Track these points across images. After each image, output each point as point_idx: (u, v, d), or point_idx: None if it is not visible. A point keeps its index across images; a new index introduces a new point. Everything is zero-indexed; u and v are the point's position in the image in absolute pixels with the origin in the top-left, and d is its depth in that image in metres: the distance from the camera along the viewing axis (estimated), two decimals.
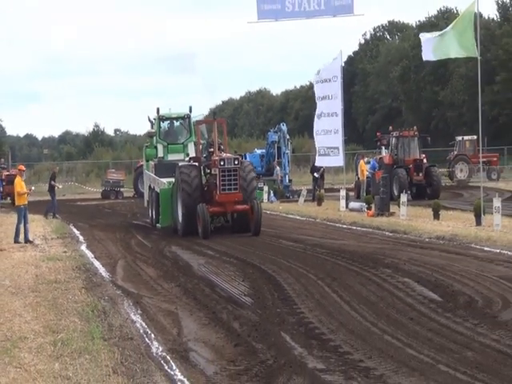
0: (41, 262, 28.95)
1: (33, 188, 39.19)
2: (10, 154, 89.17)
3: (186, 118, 44.98)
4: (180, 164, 38.84)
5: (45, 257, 30.66)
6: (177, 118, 45.63)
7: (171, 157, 43.49)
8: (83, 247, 34.33)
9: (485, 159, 76.03)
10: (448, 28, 39.08)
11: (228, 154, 38.37)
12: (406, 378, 13.12)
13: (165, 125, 45.10)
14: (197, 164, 38.04)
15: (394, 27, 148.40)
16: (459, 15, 41.29)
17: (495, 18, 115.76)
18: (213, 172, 36.89)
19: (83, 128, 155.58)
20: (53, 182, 54.30)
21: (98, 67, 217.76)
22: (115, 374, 13.56)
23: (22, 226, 35.60)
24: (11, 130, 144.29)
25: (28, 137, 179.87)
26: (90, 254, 31.56)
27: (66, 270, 26.80)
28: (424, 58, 39.49)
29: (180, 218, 37.35)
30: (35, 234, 38.25)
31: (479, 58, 36.70)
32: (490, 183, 71.15)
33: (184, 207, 36.58)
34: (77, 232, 41.42)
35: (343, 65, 46.06)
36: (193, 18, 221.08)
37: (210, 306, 20.08)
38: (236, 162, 36.05)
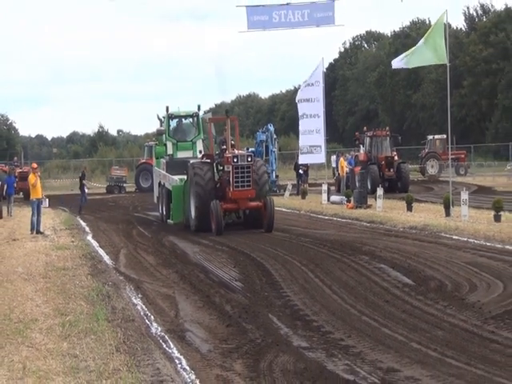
0: (50, 251, 28.97)
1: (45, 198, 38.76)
2: (23, 153, 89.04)
3: (194, 116, 42.22)
4: (192, 161, 36.51)
5: (54, 246, 30.68)
6: (185, 116, 42.62)
7: (180, 154, 40.82)
8: (89, 237, 34.33)
9: (453, 156, 76.47)
10: (420, 43, 39.16)
11: (241, 151, 35.76)
12: (382, 354, 13.14)
13: (174, 123, 42.23)
14: (209, 161, 35.54)
15: (371, 37, 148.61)
16: (431, 26, 41.35)
17: (463, 28, 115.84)
18: (226, 169, 34.35)
19: (89, 129, 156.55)
20: (84, 181, 54.32)
21: (102, 74, 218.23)
22: (118, 353, 13.57)
23: (36, 218, 35.56)
24: (23, 131, 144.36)
25: (39, 137, 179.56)
26: (95, 244, 31.58)
27: (74, 258, 26.83)
28: (393, 66, 39.52)
29: (192, 215, 34.78)
30: (45, 226, 38.25)
31: (448, 64, 36.72)
32: (458, 178, 71.24)
33: (197, 204, 34.08)
34: (83, 223, 41.39)
35: (325, 71, 46.09)
36: (189, 27, 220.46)
37: (204, 291, 20.10)
38: (249, 159, 33.57)
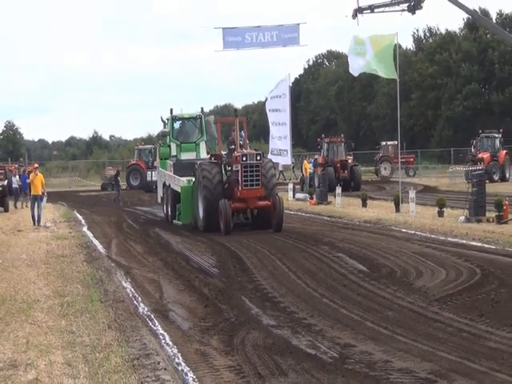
0: (51, 241, 28.95)
1: (46, 196, 38.36)
2: (27, 155, 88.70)
3: (197, 118, 38.18)
4: (201, 162, 32.84)
5: (54, 236, 30.66)
6: (189, 118, 38.49)
7: (184, 155, 36.88)
8: (85, 229, 34.22)
9: (403, 160, 76.99)
10: (368, 48, 39.22)
11: (250, 150, 31.80)
12: (340, 332, 13.17)
13: (177, 125, 38.17)
14: (217, 161, 31.73)
15: (332, 55, 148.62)
16: (382, 43, 41.33)
17: (411, 48, 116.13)
18: (234, 168, 30.50)
19: (85, 134, 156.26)
20: (118, 178, 58.85)
21: (97, 86, 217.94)
22: (110, 329, 13.57)
23: (37, 211, 35.42)
24: (27, 136, 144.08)
25: (41, 141, 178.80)
26: (90, 234, 31.48)
27: (71, 247, 26.82)
28: (351, 72, 39.57)
29: (201, 215, 31.05)
30: (46, 219, 38.10)
31: (398, 79, 36.84)
32: (407, 179, 71.41)
33: (205, 204, 30.41)
34: (80, 217, 41.28)
35: (291, 84, 46.06)
36: (172, 46, 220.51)
37: (185, 276, 20.09)
38: (258, 158, 29.83)
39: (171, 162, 36.04)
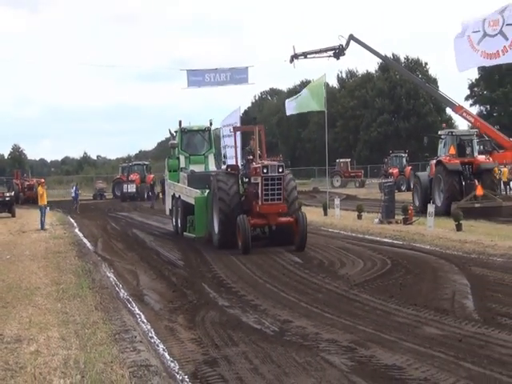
0: (49, 240, 28.69)
1: (48, 208, 37.94)
2: (30, 171, 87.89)
3: (206, 131, 32.02)
4: (216, 173, 25.54)
5: (52, 236, 30.39)
6: (197, 131, 32.25)
7: (192, 167, 30.40)
8: (76, 230, 33.93)
9: (354, 174, 78.29)
10: (303, 91, 39.73)
11: (271, 162, 23.87)
12: (280, 310, 13.16)
13: (186, 137, 31.85)
14: (234, 173, 24.09)
15: (273, 91, 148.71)
16: (314, 83, 41.80)
17: (336, 86, 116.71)
18: (253, 181, 23.02)
19: (77, 154, 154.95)
20: (154, 188, 59.02)
21: (85, 116, 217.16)
22: (96, 310, 13.48)
23: (42, 218, 35.11)
24: (30, 156, 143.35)
25: (41, 160, 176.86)
26: (80, 235, 31.23)
27: (65, 245, 26.59)
28: (287, 113, 39.66)
29: (216, 230, 23.68)
30: (46, 223, 37.71)
31: (326, 111, 37.11)
32: (353, 190, 71.32)
33: (221, 218, 23.08)
34: (72, 221, 40.86)
35: (241, 115, 46.12)
36: (145, 84, 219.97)
37: (157, 267, 20.01)
38: (280, 170, 22.38)
39: (185, 174, 29.17)
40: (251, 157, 24.07)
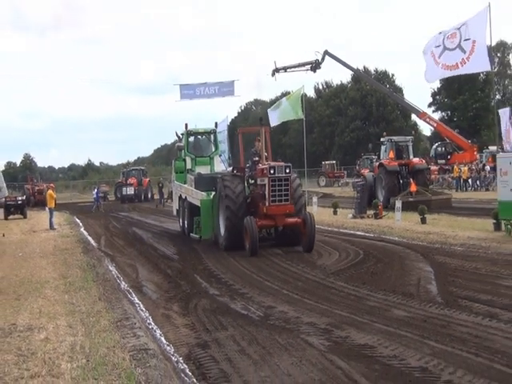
0: (57, 238, 28.59)
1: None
2: (40, 177, 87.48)
3: (211, 133, 29.72)
4: (222, 174, 23.38)
5: (60, 235, 30.29)
6: (203, 133, 29.96)
7: (198, 169, 28.08)
8: (82, 229, 33.80)
9: (337, 174, 78.28)
10: (283, 100, 39.80)
11: (278, 162, 21.64)
12: (265, 298, 13.17)
13: (192, 139, 29.53)
14: (240, 174, 22.07)
15: (257, 102, 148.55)
16: (293, 94, 41.91)
17: (313, 96, 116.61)
18: (259, 182, 20.96)
19: (82, 161, 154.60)
20: (162, 190, 57.17)
21: (89, 127, 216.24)
22: (100, 300, 13.45)
23: (51, 219, 34.97)
24: (40, 163, 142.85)
25: (50, 167, 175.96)
26: (85, 233, 31.12)
27: (72, 243, 26.52)
28: (271, 125, 39.48)
29: (222, 231, 21.55)
30: (54, 223, 37.61)
31: (304, 118, 37.18)
32: (317, 188, 71.09)
33: (227, 220, 20.92)
34: (78, 221, 40.73)
35: (228, 124, 46.20)
36: (143, 97, 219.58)
37: (154, 261, 19.98)
38: (287, 171, 20.20)
39: (192, 177, 26.80)
40: (257, 158, 22.08)
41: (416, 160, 38.71)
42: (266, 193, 20.21)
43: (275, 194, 20.09)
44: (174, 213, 30.44)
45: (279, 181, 20.06)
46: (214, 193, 23.05)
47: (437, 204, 32.69)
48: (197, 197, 24.73)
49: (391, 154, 38.40)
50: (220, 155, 29.74)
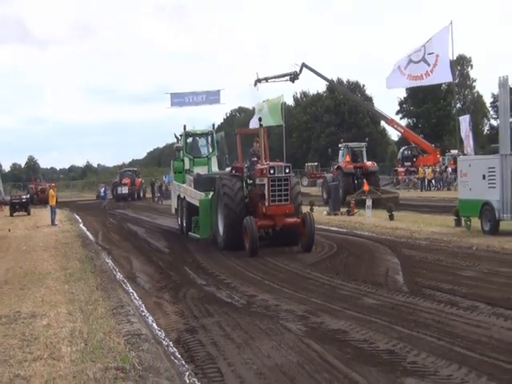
0: (58, 233, 28.46)
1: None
2: (42, 177, 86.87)
3: (209, 134, 28.13)
4: (221, 175, 21.79)
5: (60, 230, 30.14)
6: (201, 134, 28.32)
7: (196, 169, 26.56)
8: (81, 225, 33.64)
9: (319, 175, 78.01)
10: (265, 108, 39.93)
11: (277, 163, 19.85)
12: (247, 287, 13.18)
13: (190, 140, 27.79)
14: (239, 174, 20.11)
15: (241, 110, 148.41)
16: (274, 102, 42.07)
17: (292, 104, 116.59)
18: (258, 182, 19.13)
19: (81, 163, 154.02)
20: (161, 188, 58.38)
21: (87, 131, 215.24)
22: (97, 290, 13.40)
23: (53, 216, 34.75)
24: (42, 165, 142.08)
25: (52, 168, 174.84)
26: (84, 229, 30.99)
27: (72, 237, 26.40)
28: (250, 126, 39.51)
29: (221, 231, 19.88)
30: (56, 220, 37.41)
31: (284, 124, 37.25)
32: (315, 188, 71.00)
33: (226, 220, 19.27)
34: (77, 217, 40.56)
35: (214, 129, 46.07)
36: (136, 105, 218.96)
37: (147, 254, 19.96)
38: (287, 171, 18.56)
39: (191, 177, 25.07)
40: (255, 158, 20.49)
41: (369, 163, 40.38)
42: (266, 193, 18.56)
43: (275, 194, 18.46)
44: (173, 211, 28.83)
45: (279, 181, 18.47)
46: (212, 193, 21.57)
47: (385, 201, 32.77)
48: (195, 197, 23.35)
49: (347, 158, 40.43)
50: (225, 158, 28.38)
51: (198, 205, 22.48)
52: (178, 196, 26.67)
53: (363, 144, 42.56)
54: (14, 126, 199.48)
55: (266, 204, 18.45)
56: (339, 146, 42.90)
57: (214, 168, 27.23)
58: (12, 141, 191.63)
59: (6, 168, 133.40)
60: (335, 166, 41.37)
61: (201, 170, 26.22)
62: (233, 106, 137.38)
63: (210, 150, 27.74)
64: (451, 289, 11.96)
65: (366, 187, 35.23)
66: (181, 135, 27.75)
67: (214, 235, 20.88)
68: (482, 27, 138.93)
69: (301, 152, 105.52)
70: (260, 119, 22.27)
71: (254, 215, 18.53)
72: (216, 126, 30.61)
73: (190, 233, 24.01)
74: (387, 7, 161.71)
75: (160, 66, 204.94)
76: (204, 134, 28.13)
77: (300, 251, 18.37)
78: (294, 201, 19.03)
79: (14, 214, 44.74)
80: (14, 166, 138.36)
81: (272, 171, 18.39)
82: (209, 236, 21.47)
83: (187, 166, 27.00)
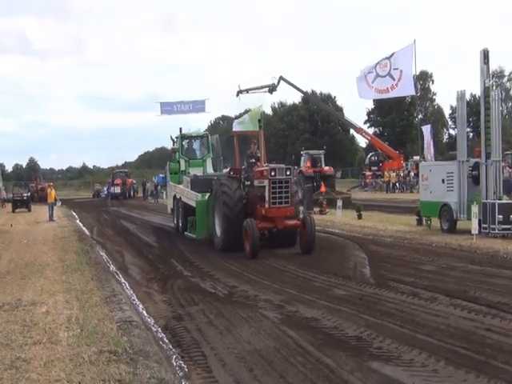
0: (57, 228, 28.19)
1: (59, 203, 37.23)
2: (42, 177, 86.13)
3: (204, 137, 27.19)
4: (219, 176, 20.42)
5: (59, 226, 29.84)
6: (196, 137, 27.11)
7: (192, 170, 25.31)
8: (77, 221, 33.34)
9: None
10: (246, 116, 39.91)
11: (278, 164, 18.45)
12: (229, 278, 13.16)
13: (186, 142, 26.56)
14: (237, 176, 18.61)
15: (225, 118, 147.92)
16: (254, 111, 42.13)
17: (270, 113, 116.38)
18: (257, 184, 17.44)
19: (77, 164, 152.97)
20: (158, 187, 57.11)
21: (83, 135, 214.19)
22: (92, 280, 13.28)
23: (50, 212, 34.49)
24: (42, 166, 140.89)
25: (51, 169, 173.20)
26: (80, 224, 30.69)
27: (69, 232, 26.13)
28: (233, 130, 39.52)
29: (218, 233, 18.09)
30: (54, 216, 37.10)
31: (262, 131, 37.25)
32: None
33: (224, 222, 17.55)
34: (74, 214, 40.22)
35: None
36: (127, 113, 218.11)
37: (137, 247, 19.85)
38: (288, 173, 16.96)
39: (188, 178, 23.37)
40: (253, 160, 19.09)
41: (326, 168, 42.32)
42: (266, 195, 16.80)
43: (276, 196, 16.74)
44: (169, 211, 27.06)
45: (279, 183, 16.75)
46: (208, 194, 19.83)
47: (340, 202, 33.40)
48: (192, 197, 21.58)
49: (308, 163, 42.77)
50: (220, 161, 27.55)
51: (194, 205, 20.98)
52: (174, 196, 25.13)
53: (321, 151, 44.71)
54: (17, 130, 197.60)
55: (266, 206, 16.78)
56: (301, 152, 45.57)
57: (209, 170, 26.19)
58: (14, 143, 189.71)
59: (9, 168, 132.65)
60: (297, 171, 42.46)
61: (196, 172, 25.10)
62: (217, 114, 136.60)
63: (205, 153, 26.80)
64: (413, 281, 12.03)
65: (322, 189, 36.28)
66: (177, 137, 26.69)
67: (210, 236, 19.14)
68: (444, 44, 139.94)
69: (279, 157, 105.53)
70: (259, 121, 21.18)
71: (251, 217, 16.81)
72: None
73: (185, 232, 22.48)
74: (358, 24, 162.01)
75: (151, 76, 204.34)
76: (199, 137, 27.23)
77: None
78: (294, 203, 17.38)
79: (16, 211, 44.46)
80: (16, 167, 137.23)
81: (273, 173, 16.78)
82: (205, 237, 19.83)
83: (183, 168, 25.90)
